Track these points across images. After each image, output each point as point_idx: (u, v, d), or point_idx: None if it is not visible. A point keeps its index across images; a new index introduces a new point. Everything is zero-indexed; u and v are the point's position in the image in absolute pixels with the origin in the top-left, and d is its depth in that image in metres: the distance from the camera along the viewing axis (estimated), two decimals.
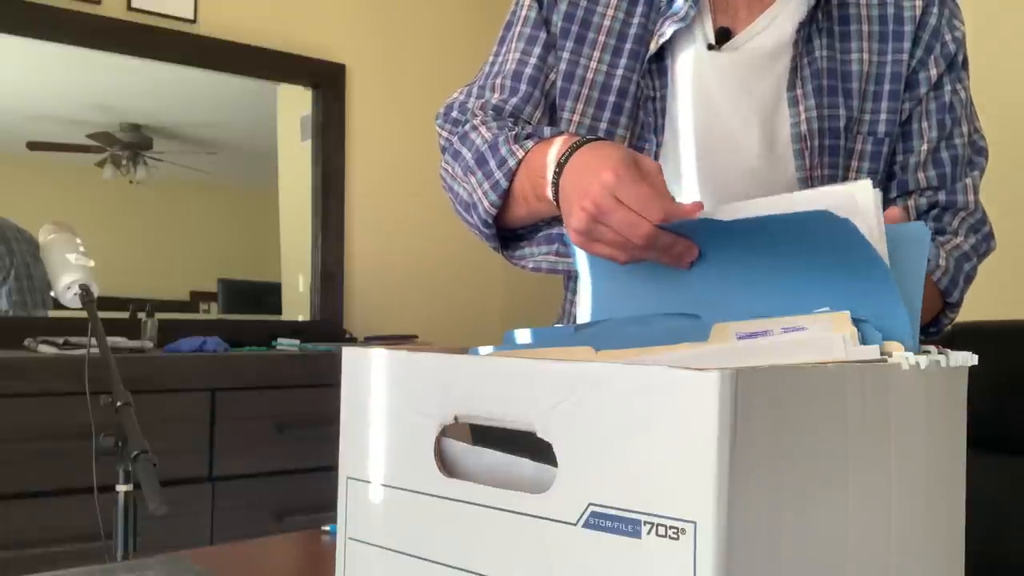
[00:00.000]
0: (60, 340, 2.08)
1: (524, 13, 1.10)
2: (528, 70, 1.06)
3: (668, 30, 1.02)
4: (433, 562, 0.55)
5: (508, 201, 0.95)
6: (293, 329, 2.71)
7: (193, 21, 2.62)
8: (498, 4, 3.24)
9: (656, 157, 1.03)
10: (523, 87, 1.06)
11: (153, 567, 0.90)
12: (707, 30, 1.04)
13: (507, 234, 1.02)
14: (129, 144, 2.62)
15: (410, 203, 3.06)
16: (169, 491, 1.11)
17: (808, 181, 1.01)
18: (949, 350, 0.63)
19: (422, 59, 3.09)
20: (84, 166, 2.58)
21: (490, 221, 0.97)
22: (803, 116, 1.01)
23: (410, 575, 0.57)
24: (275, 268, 2.91)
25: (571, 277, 1.14)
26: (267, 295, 2.90)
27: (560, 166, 0.81)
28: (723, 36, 1.03)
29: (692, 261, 0.70)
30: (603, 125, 1.04)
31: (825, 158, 1.02)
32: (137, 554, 1.20)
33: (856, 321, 0.61)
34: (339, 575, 0.62)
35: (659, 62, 1.03)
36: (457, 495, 0.54)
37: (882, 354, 0.60)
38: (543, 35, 1.07)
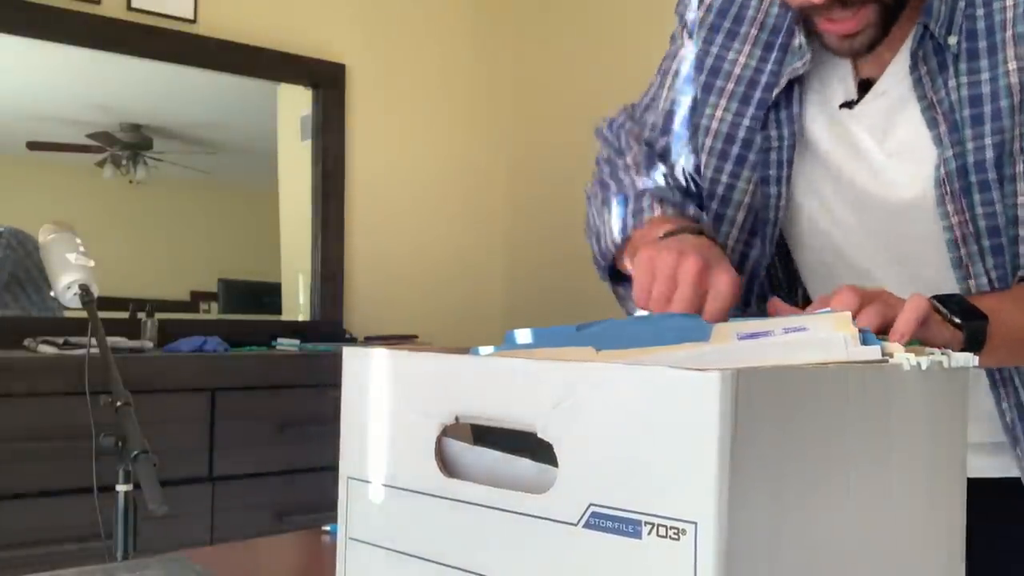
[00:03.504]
0: (60, 340, 2.08)
1: (681, 52, 1.09)
2: (683, 111, 1.08)
3: (784, 80, 0.97)
4: (433, 562, 0.55)
5: (627, 246, 1.00)
6: (293, 329, 2.71)
7: (193, 21, 2.62)
8: (498, 4, 3.24)
9: (776, 209, 0.99)
10: (674, 129, 1.08)
11: (153, 567, 0.90)
12: (848, 82, 0.96)
13: (616, 273, 1.06)
14: (129, 144, 2.62)
15: (410, 203, 3.05)
16: (169, 491, 1.11)
17: (952, 230, 0.90)
18: (950, 350, 0.63)
19: (422, 59, 3.08)
20: (84, 166, 2.57)
21: (609, 256, 1.01)
22: (942, 159, 0.90)
23: (410, 575, 0.57)
24: (275, 268, 2.91)
25: None
26: (267, 295, 2.89)
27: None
28: (865, 86, 0.95)
29: None
30: (724, 178, 1.02)
31: (975, 196, 0.89)
32: (137, 554, 1.20)
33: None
34: (339, 575, 0.62)
35: (787, 109, 0.98)
36: (457, 495, 0.54)
37: (883, 355, 0.60)
38: (696, 77, 1.07)
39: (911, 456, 0.58)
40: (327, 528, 1.07)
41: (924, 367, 0.59)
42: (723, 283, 0.78)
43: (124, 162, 2.62)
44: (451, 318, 3.10)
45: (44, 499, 1.89)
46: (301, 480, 2.23)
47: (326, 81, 2.87)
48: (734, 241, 1.03)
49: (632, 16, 2.80)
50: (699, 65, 1.05)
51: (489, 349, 0.68)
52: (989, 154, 0.88)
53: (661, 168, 1.07)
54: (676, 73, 1.10)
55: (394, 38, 3.03)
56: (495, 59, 3.25)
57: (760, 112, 0.99)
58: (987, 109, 0.89)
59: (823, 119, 0.98)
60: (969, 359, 0.64)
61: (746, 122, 1.00)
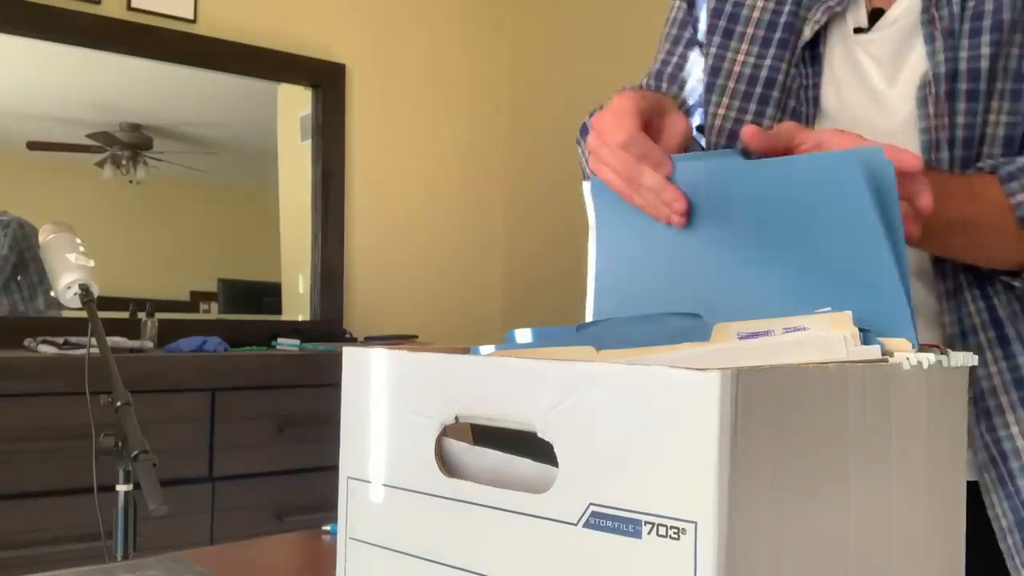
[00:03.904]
0: (60, 340, 2.08)
1: (674, 15, 1.13)
2: (669, 69, 1.11)
3: (823, 16, 0.99)
4: (433, 562, 0.55)
5: None
6: (293, 329, 2.71)
7: (193, 21, 2.62)
8: (498, 4, 3.24)
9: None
10: (663, 86, 1.11)
11: (153, 567, 0.90)
12: (860, 12, 1.00)
13: None
14: (129, 144, 2.62)
15: (410, 203, 3.06)
16: (169, 491, 1.11)
17: (929, 132, 0.90)
18: (950, 350, 0.63)
19: (422, 59, 3.09)
20: (84, 166, 2.57)
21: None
22: (932, 63, 0.90)
23: (410, 575, 0.57)
24: (275, 268, 2.91)
25: None
26: (267, 295, 2.90)
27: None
28: (875, 16, 0.98)
29: (683, 215, 0.75)
30: (748, 117, 1.03)
31: (960, 104, 0.89)
32: (137, 554, 1.20)
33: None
34: (339, 575, 0.62)
35: (813, 50, 1.01)
36: (458, 495, 0.54)
37: (883, 354, 0.60)
38: (687, 35, 1.11)
39: (911, 455, 0.58)
40: (327, 528, 1.07)
41: (924, 366, 0.59)
42: (615, 138, 0.79)
43: (124, 162, 2.62)
44: (451, 318, 3.10)
45: (44, 499, 1.89)
46: (301, 480, 2.23)
47: (326, 81, 2.87)
48: None
49: (630, 18, 2.80)
50: (717, 13, 1.07)
51: (489, 349, 0.68)
52: (984, 64, 0.89)
53: None
54: (668, 36, 1.12)
55: (394, 38, 3.03)
56: (494, 59, 3.25)
57: (782, 52, 1.02)
58: (987, 22, 0.90)
59: (840, 49, 1.00)
60: (968, 358, 0.64)
61: (768, 62, 1.03)
